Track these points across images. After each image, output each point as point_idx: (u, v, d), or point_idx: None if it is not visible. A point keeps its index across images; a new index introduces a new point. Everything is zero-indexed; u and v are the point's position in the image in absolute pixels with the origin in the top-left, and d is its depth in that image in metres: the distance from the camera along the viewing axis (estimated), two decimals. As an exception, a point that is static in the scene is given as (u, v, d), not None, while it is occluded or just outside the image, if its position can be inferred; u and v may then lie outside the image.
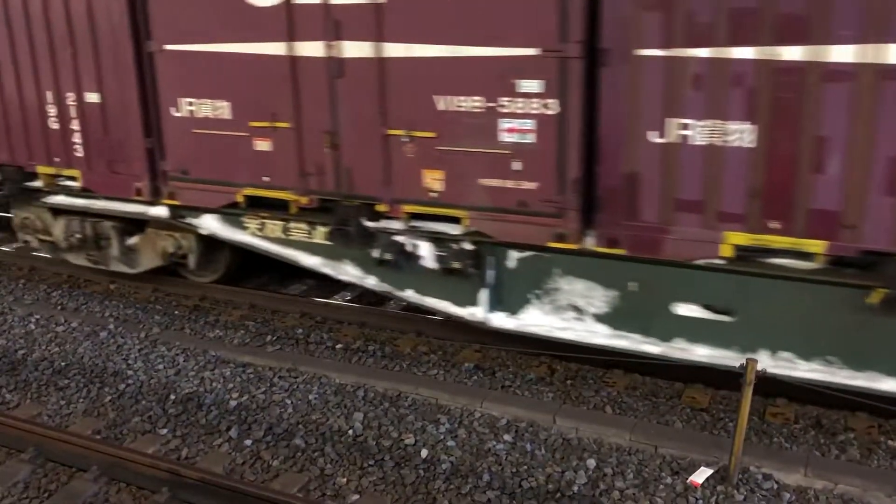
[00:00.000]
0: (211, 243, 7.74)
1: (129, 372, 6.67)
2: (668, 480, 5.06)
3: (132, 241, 8.00)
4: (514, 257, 6.09)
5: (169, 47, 6.83)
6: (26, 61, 7.63)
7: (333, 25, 6.02)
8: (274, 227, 6.99)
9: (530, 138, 5.58)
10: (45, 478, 5.22)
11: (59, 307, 8.14)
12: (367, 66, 5.98)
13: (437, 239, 6.23)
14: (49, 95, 7.61)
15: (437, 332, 7.17)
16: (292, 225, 6.90)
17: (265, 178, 6.74)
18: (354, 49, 6.00)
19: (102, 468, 5.16)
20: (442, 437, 5.62)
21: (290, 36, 6.20)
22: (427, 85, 5.80)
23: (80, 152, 7.63)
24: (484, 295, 6.24)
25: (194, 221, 7.37)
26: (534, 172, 5.65)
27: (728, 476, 5.01)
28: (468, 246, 6.14)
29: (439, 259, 6.23)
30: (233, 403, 6.12)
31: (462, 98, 5.72)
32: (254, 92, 6.53)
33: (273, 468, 5.28)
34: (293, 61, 6.28)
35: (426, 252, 6.27)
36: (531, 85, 5.46)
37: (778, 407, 5.81)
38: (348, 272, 6.79)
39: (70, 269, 9.09)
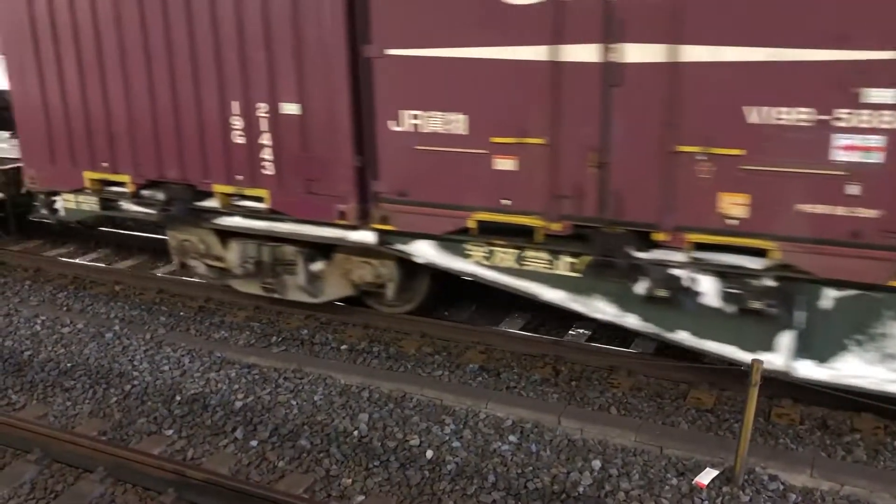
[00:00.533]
0: (411, 271, 7.05)
1: (135, 373, 6.68)
2: (674, 481, 5.06)
3: (316, 267, 7.23)
4: (830, 296, 5.22)
5: (392, 52, 6.00)
6: (209, 66, 6.77)
7: (614, 25, 5.20)
8: (505, 255, 6.18)
9: (876, 157, 4.76)
10: (51, 478, 5.23)
11: (65, 308, 8.16)
12: (654, 73, 5.18)
13: (724, 274, 5.42)
14: (235, 106, 6.75)
15: (442, 334, 7.17)
16: (529, 254, 6.10)
17: (505, 202, 5.93)
18: (639, 53, 5.20)
19: (108, 469, 5.17)
20: (447, 438, 5.63)
21: (555, 38, 5.41)
22: (735, 94, 5.00)
23: (269, 170, 6.79)
24: (787, 340, 5.39)
25: (405, 248, 6.55)
26: (875, 198, 4.83)
27: (733, 477, 5.00)
28: (771, 282, 5.30)
29: (729, 297, 5.40)
30: (238, 404, 6.13)
31: (784, 109, 4.90)
32: (499, 103, 5.73)
33: (279, 469, 5.29)
34: (555, 67, 5.46)
35: (708, 288, 5.46)
36: (883, 95, 4.66)
37: (783, 408, 5.80)
38: (601, 309, 5.96)
39: (75, 270, 9.09)
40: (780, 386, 5.84)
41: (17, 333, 7.52)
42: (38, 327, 7.65)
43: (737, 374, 5.57)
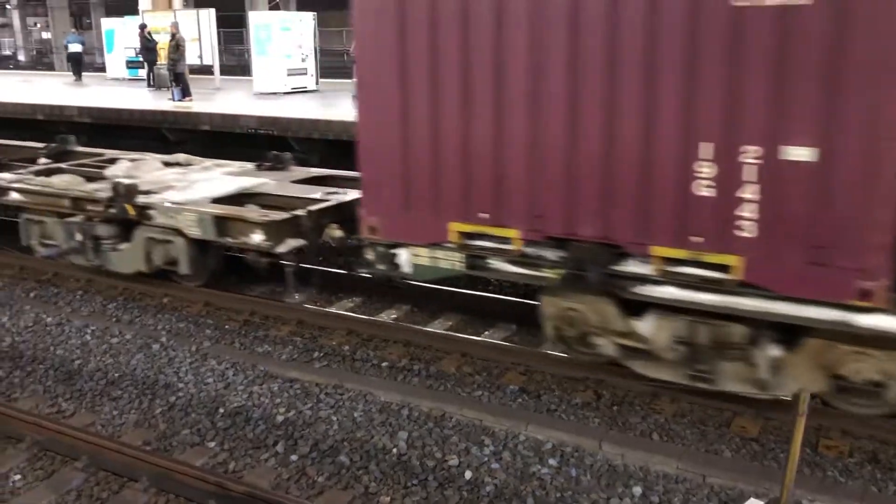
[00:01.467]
0: None
1: (180, 384, 6.80)
2: (717, 511, 4.96)
3: (775, 353, 5.73)
4: None
5: None
6: (668, 96, 5.28)
7: None
8: None
9: None
10: (97, 486, 5.34)
11: (115, 319, 8.35)
12: None
13: None
14: (705, 149, 5.25)
15: (482, 353, 7.16)
16: None
17: None
18: None
19: (152, 479, 5.26)
20: (486, 459, 5.61)
21: None
22: None
23: (748, 232, 5.26)
24: None
25: None
26: None
27: (779, 509, 4.88)
28: None
29: None
30: (280, 418, 6.19)
31: None
32: None
33: (318, 485, 5.33)
34: None
35: None
36: None
37: (832, 440, 5.66)
38: None
39: (126, 281, 9.27)
40: (829, 417, 5.71)
41: (68, 343, 7.71)
42: (88, 337, 7.83)
43: (784, 403, 5.46)
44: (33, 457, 5.68)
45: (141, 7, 26.45)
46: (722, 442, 5.70)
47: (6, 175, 9.73)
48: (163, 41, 20.89)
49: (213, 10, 22.21)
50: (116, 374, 7.00)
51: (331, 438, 5.90)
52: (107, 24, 26.19)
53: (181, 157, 10.73)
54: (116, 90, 20.94)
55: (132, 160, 10.32)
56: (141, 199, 8.34)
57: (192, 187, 8.84)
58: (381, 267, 6.90)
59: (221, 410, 6.34)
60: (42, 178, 9.49)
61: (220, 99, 19.05)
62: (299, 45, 20.29)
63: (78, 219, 8.84)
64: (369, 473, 5.43)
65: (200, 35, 21.97)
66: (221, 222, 7.89)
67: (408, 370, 6.97)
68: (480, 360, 7.08)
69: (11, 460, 5.65)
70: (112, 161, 10.47)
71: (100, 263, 8.87)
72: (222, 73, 22.31)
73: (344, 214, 7.98)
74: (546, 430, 5.91)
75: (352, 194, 8.12)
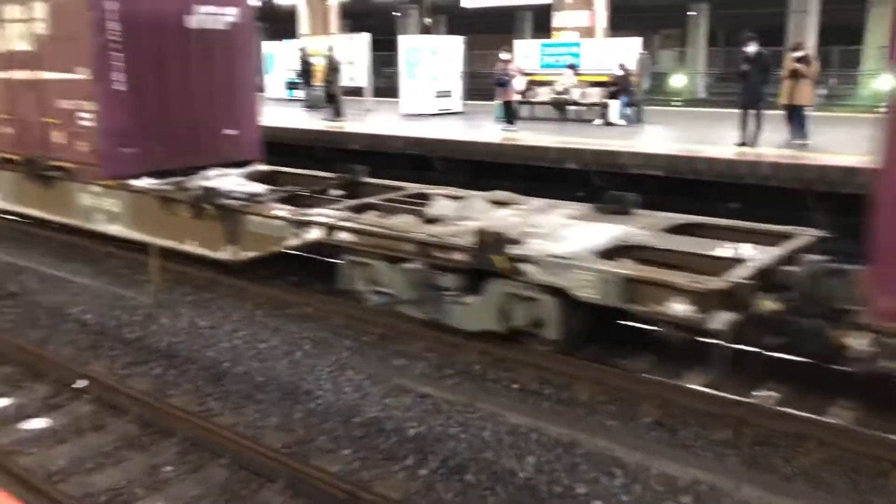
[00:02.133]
0: None
1: (319, 392, 7.06)
2: (868, 570, 4.59)
3: None
4: None
5: None
6: None
7: None
8: None
9: None
10: (238, 484, 5.63)
11: (262, 325, 8.78)
12: None
13: None
14: None
15: (617, 382, 6.98)
16: None
17: None
18: None
19: (288, 482, 5.49)
20: (616, 490, 5.46)
21: None
22: None
23: None
24: None
25: None
26: None
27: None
28: None
29: None
30: (411, 432, 6.30)
31: None
32: None
33: (445, 501, 5.37)
34: None
35: None
36: None
37: None
38: None
39: (272, 288, 9.75)
40: None
41: (219, 345, 8.20)
42: (238, 341, 8.29)
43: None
44: (183, 451, 6.07)
45: (300, 31, 27.98)
46: (876, 494, 5.27)
47: (324, 211, 8.98)
48: (319, 63, 21.97)
49: (367, 35, 23.15)
50: (261, 379, 7.37)
51: (459, 456, 5.94)
52: (267, 47, 27.82)
53: (502, 194, 9.39)
54: (274, 109, 22.17)
55: (452, 197, 9.22)
56: (513, 251, 7.18)
57: (557, 236, 7.57)
58: (887, 364, 5.61)
59: (356, 420, 6.53)
60: (370, 217, 8.77)
61: (369, 120, 19.77)
62: (448, 69, 20.77)
63: (417, 265, 7.83)
64: (496, 495, 5.41)
65: (354, 58, 22.93)
66: (631, 285, 6.56)
67: (539, 394, 6.91)
68: (615, 390, 6.91)
69: (164, 452, 6.07)
70: (423, 196, 9.57)
71: (438, 317, 7.83)
72: (373, 94, 23.17)
73: (767, 280, 6.54)
74: (680, 466, 5.68)
75: (766, 252, 6.94)
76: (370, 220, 8.67)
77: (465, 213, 8.51)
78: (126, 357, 7.87)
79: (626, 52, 18.71)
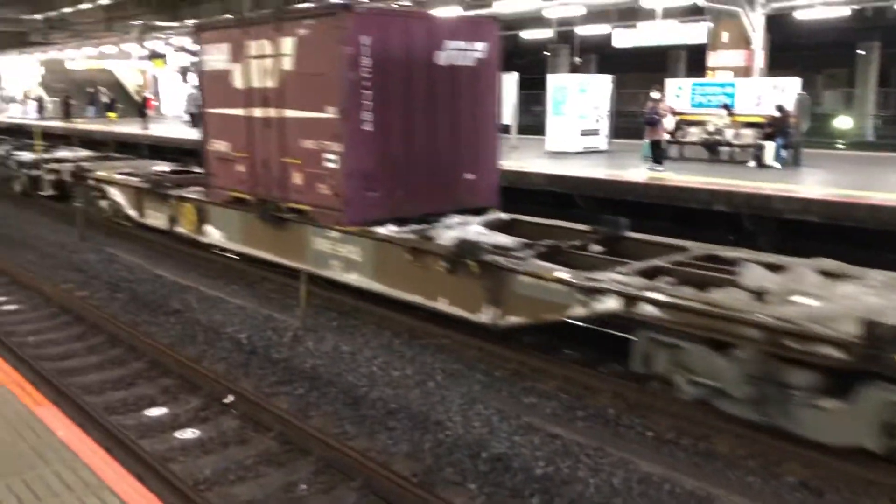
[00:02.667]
0: None
1: (449, 423, 7.14)
2: None
3: None
4: None
5: None
6: None
7: None
8: None
9: None
10: (366, 507, 5.78)
11: (399, 354, 9.00)
12: None
13: None
14: None
15: (761, 437, 6.60)
16: None
17: None
18: None
19: (415, 510, 5.57)
20: (752, 552, 5.16)
21: None
22: None
23: None
24: None
25: None
26: None
27: None
28: None
29: None
30: (538, 472, 6.24)
31: None
32: None
33: (568, 545, 5.27)
34: None
35: None
36: None
37: None
38: None
39: (411, 318, 9.95)
40: None
41: (358, 371, 8.47)
42: (375, 368, 8.53)
43: None
44: (318, 470, 6.31)
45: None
46: None
47: (612, 276, 7.51)
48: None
49: (516, 74, 23.48)
50: (394, 406, 7.54)
51: (586, 500, 5.82)
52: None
53: (829, 263, 7.61)
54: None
55: (766, 264, 7.57)
56: None
57: None
58: None
59: (484, 455, 6.54)
60: (687, 290, 7.06)
61: (514, 156, 19.95)
62: (595, 107, 20.66)
63: (752, 354, 6.36)
64: (622, 544, 5.26)
65: (504, 97, 23.23)
66: None
67: (674, 443, 6.67)
68: (758, 444, 6.55)
69: (300, 471, 6.33)
70: (714, 259, 8.23)
71: (781, 423, 6.34)
72: (519, 132, 23.40)
73: None
74: (826, 534, 5.30)
75: None
76: (689, 293, 6.98)
77: (795, 287, 6.87)
78: (273, 376, 8.29)
79: (784, 92, 17.94)
